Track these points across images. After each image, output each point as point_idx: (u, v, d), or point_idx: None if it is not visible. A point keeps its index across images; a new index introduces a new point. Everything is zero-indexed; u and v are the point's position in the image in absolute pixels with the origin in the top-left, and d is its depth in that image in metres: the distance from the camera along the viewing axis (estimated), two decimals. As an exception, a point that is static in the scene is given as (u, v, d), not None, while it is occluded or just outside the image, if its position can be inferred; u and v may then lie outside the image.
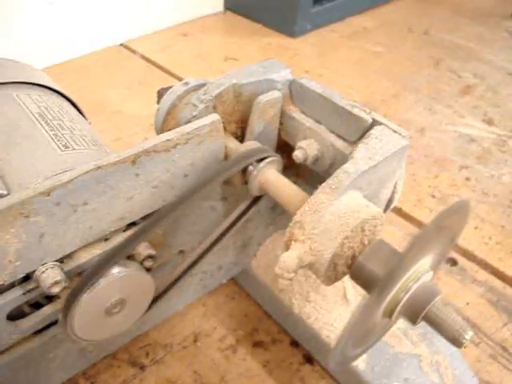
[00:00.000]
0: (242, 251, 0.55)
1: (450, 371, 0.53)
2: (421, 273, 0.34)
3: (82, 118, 0.52)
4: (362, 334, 0.35)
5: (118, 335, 0.49)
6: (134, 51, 1.09)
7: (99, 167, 0.36)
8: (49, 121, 0.44)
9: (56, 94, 0.52)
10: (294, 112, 0.46)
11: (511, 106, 1.00)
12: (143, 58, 1.08)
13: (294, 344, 0.57)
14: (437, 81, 1.06)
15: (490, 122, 0.95)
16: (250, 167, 0.42)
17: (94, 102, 0.92)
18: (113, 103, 0.93)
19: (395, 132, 0.40)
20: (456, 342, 0.33)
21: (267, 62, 0.47)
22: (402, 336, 0.54)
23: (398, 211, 0.75)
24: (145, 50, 1.09)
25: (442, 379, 0.52)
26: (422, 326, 0.54)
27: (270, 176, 0.41)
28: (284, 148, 0.50)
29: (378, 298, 0.31)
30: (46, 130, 0.43)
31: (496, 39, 1.24)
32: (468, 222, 0.72)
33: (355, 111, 0.42)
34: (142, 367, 0.53)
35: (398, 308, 0.33)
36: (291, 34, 1.16)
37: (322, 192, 0.36)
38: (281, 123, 0.48)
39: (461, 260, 0.69)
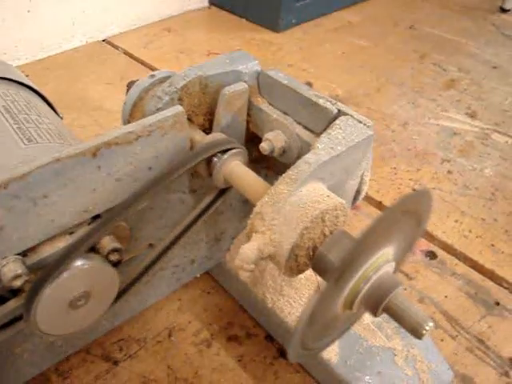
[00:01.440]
0: (215, 245, 0.55)
1: (425, 364, 0.53)
2: (382, 263, 0.33)
3: (53, 113, 0.51)
4: (323, 325, 0.34)
5: (89, 330, 0.48)
6: (116, 47, 1.09)
7: (58, 160, 0.36)
8: (14, 114, 0.44)
9: (26, 89, 0.51)
10: (262, 104, 0.46)
11: (495, 99, 1.00)
12: (126, 53, 1.07)
13: (269, 338, 0.56)
14: (421, 74, 1.06)
15: (473, 116, 0.94)
16: (215, 159, 0.41)
17: (75, 97, 0.92)
18: (94, 99, 0.93)
19: (360, 122, 0.40)
20: (416, 332, 0.32)
21: (235, 54, 0.47)
22: (376, 330, 0.53)
23: (378, 204, 0.75)
24: (128, 45, 1.09)
25: (417, 372, 0.52)
26: (397, 318, 0.55)
27: (235, 168, 0.41)
28: (254, 140, 0.49)
29: (332, 287, 0.30)
30: (10, 124, 0.43)
31: (482, 33, 1.24)
32: (449, 216, 0.73)
33: (320, 102, 0.41)
34: (116, 362, 0.53)
35: (358, 299, 0.33)
36: (275, 28, 1.15)
37: (282, 183, 0.36)
38: (249, 115, 0.47)
39: (440, 253, 0.68)
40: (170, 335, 0.56)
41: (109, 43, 1.10)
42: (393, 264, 0.35)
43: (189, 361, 0.54)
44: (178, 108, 0.41)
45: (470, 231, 0.72)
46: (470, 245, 0.70)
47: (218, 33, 1.16)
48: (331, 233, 0.36)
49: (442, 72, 1.07)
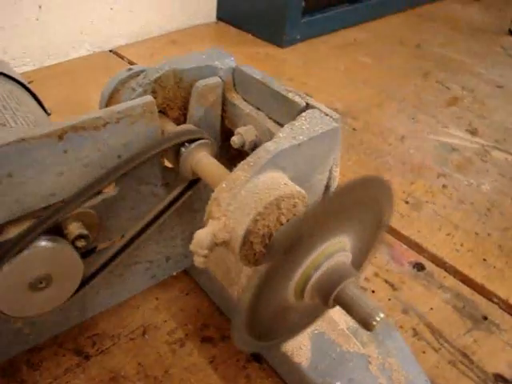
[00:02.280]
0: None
1: (402, 375, 0.51)
2: (335, 251, 0.33)
3: (38, 106, 0.53)
4: (273, 313, 0.34)
5: (58, 319, 0.48)
6: (122, 57, 1.11)
7: (23, 139, 0.37)
8: (-7, 102, 0.45)
9: (15, 84, 0.53)
10: (236, 99, 0.46)
11: (498, 117, 0.99)
12: (131, 63, 1.09)
13: (244, 341, 0.55)
14: (423, 92, 1.06)
15: (474, 133, 0.93)
16: (182, 149, 0.41)
17: (77, 103, 0.94)
18: (95, 106, 0.94)
19: (326, 115, 0.39)
20: (366, 324, 0.31)
21: (212, 50, 0.48)
22: (350, 335, 0.52)
23: (369, 215, 0.74)
24: (133, 56, 1.11)
25: (392, 382, 0.51)
26: (374, 326, 0.54)
27: (202, 158, 0.41)
28: (230, 137, 0.49)
29: (277, 265, 0.30)
30: (-13, 109, 0.44)
31: (489, 54, 1.24)
32: (440, 229, 0.71)
33: (289, 95, 0.41)
34: (87, 357, 0.53)
35: (309, 286, 0.33)
36: (279, 44, 1.17)
37: (240, 169, 0.35)
38: (224, 111, 0.48)
39: (429, 265, 0.67)
40: (144, 333, 0.55)
41: (115, 53, 1.13)
42: (349, 255, 0.34)
43: (160, 359, 0.53)
44: (148, 98, 0.41)
45: (462, 245, 0.70)
46: (460, 258, 0.68)
47: (223, 46, 1.18)
48: (288, 221, 0.35)
49: (444, 90, 1.07)
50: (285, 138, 0.37)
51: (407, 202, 0.76)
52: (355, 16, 1.31)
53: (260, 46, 1.20)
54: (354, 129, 0.92)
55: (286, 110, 0.42)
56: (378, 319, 0.31)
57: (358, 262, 0.39)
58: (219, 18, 1.29)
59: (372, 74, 1.12)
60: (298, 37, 1.19)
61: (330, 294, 0.32)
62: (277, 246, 0.32)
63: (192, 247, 0.35)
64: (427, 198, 0.78)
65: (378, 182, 0.33)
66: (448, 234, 0.72)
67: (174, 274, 0.57)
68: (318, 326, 0.52)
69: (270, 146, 0.36)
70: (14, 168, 0.37)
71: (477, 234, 0.72)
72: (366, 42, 1.26)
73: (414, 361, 0.52)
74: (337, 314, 0.54)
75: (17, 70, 0.96)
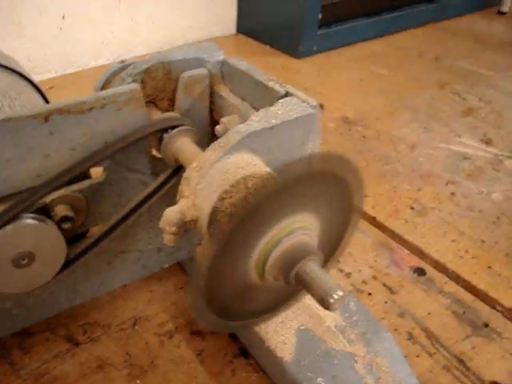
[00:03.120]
0: (184, 235, 0.55)
1: (390, 376, 0.50)
2: (296, 229, 0.33)
3: (39, 97, 0.55)
4: (235, 291, 0.34)
5: (46, 303, 0.50)
6: (141, 66, 1.15)
7: (10, 119, 0.38)
8: (-7, 90, 0.47)
9: (18, 76, 0.55)
10: (224, 91, 0.47)
11: (515, 128, 0.96)
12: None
13: (232, 336, 0.55)
14: (438, 102, 1.05)
15: (488, 142, 0.91)
16: (165, 135, 0.43)
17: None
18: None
19: (304, 102, 0.40)
20: (324, 302, 0.31)
21: (203, 45, 0.49)
22: (337, 333, 0.51)
23: (372, 220, 0.73)
24: (152, 65, 1.14)
25: (379, 383, 0.49)
26: (363, 325, 0.53)
27: (183, 144, 0.42)
28: (220, 129, 0.50)
29: (229, 236, 0.30)
30: (-14, 97, 0.46)
31: (510, 66, 1.21)
32: (445, 236, 0.70)
33: (270, 84, 0.42)
34: (77, 344, 0.54)
35: (269, 264, 0.33)
36: (296, 55, 1.18)
37: (211, 149, 0.36)
38: (213, 103, 0.49)
39: (430, 270, 0.65)
40: (134, 324, 0.56)
41: (135, 63, 1.16)
42: (313, 235, 0.34)
43: (148, 350, 0.54)
44: (134, 85, 0.43)
45: (467, 251, 0.68)
46: (464, 265, 0.66)
47: (241, 57, 1.20)
48: (255, 200, 0.36)
49: (460, 101, 1.05)
50: (257, 121, 0.37)
51: (412, 208, 0.75)
52: (373, 29, 1.31)
53: (277, 57, 1.21)
54: (363, 136, 0.92)
55: (267, 99, 0.43)
56: (335, 297, 0.31)
57: (333, 247, 0.39)
58: (239, 30, 1.32)
59: (387, 84, 1.11)
60: (315, 48, 1.20)
61: (290, 271, 0.32)
62: (229, 218, 0.33)
63: (161, 224, 0.36)
64: (434, 204, 0.76)
65: (341, 160, 0.33)
66: (453, 241, 0.70)
67: (166, 266, 0.58)
68: (304, 321, 0.52)
69: (241, 128, 0.37)
70: (1, 146, 0.39)
71: (483, 241, 0.70)
72: (383, 54, 1.26)
73: (403, 362, 0.51)
74: (325, 310, 0.53)
75: (39, 77, 1.01)
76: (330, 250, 0.39)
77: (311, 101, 0.40)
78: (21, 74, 0.56)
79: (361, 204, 0.38)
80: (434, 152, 0.88)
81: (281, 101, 0.40)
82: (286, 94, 0.42)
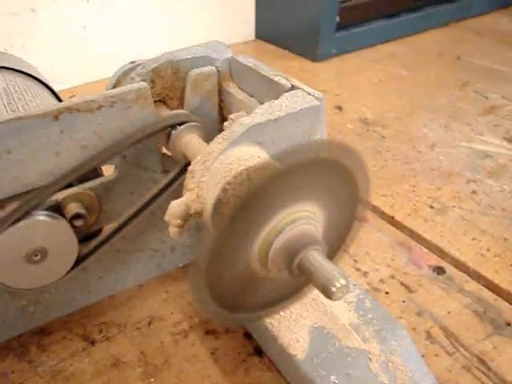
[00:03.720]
0: (198, 234, 0.56)
1: (406, 374, 0.49)
2: (299, 218, 0.33)
3: (55, 100, 0.57)
4: (239, 281, 0.34)
5: (62, 301, 0.51)
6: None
7: (20, 118, 0.40)
8: (9, 94, 0.49)
9: (36, 81, 0.57)
10: (232, 88, 0.48)
11: (540, 126, 0.94)
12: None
13: (247, 336, 0.55)
14: (460, 101, 1.03)
15: (511, 140, 0.89)
16: (173, 132, 0.43)
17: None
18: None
19: (309, 94, 0.40)
20: (325, 290, 0.30)
21: (211, 43, 0.50)
22: (352, 330, 0.50)
23: (390, 219, 0.72)
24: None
25: (395, 381, 0.48)
26: (378, 323, 0.52)
27: (190, 140, 0.43)
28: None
29: (229, 225, 0.30)
30: (2, 100, 0.48)
31: (535, 64, 1.18)
32: (466, 234, 0.68)
33: (276, 78, 0.42)
34: (93, 342, 0.54)
35: (271, 253, 0.32)
36: (314, 57, 1.18)
37: (215, 142, 0.36)
38: (222, 100, 0.49)
39: (450, 269, 0.64)
40: (149, 323, 0.56)
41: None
42: (317, 225, 0.34)
43: (162, 349, 0.54)
44: (142, 84, 0.43)
45: (489, 250, 0.66)
46: (485, 263, 0.64)
47: (259, 61, 1.21)
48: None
49: (482, 99, 1.03)
50: (261, 113, 0.38)
51: (432, 207, 0.74)
52: (392, 31, 1.30)
53: (295, 61, 1.22)
54: (382, 136, 0.91)
55: (274, 93, 0.43)
56: (338, 286, 0.30)
57: (338, 240, 0.38)
58: (257, 36, 1.33)
59: (407, 85, 1.10)
60: (334, 51, 1.20)
61: (292, 260, 0.32)
62: (230, 205, 0.33)
63: (166, 217, 0.36)
64: (454, 203, 0.74)
65: (345, 149, 0.32)
66: (474, 239, 0.68)
67: (181, 265, 0.58)
68: (318, 319, 0.51)
69: (245, 120, 0.37)
70: (13, 145, 0.40)
71: (506, 239, 0.68)
72: (402, 55, 1.25)
73: (420, 361, 0.50)
74: (339, 308, 0.53)
75: (61, 86, 1.04)
76: (335, 243, 0.38)
77: (316, 93, 0.40)
78: (38, 79, 0.58)
79: (366, 197, 0.38)
80: (454, 151, 0.86)
81: (286, 94, 0.40)
82: (292, 88, 0.42)
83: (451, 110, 0.99)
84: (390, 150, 0.87)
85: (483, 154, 0.85)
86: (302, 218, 0.33)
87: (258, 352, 0.53)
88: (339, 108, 1.00)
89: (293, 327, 0.50)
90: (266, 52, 1.29)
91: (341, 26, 1.20)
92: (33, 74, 0.58)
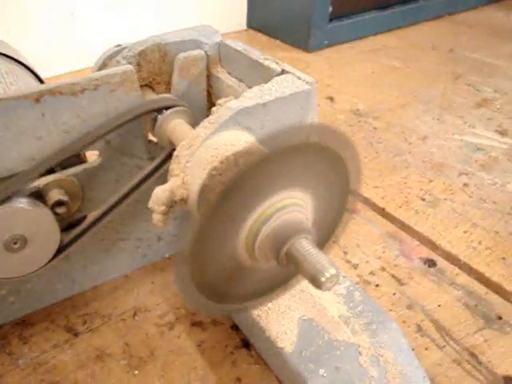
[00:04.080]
0: (185, 224, 0.54)
1: (396, 368, 0.48)
2: (288, 205, 0.31)
3: (37, 84, 0.55)
4: (225, 271, 0.33)
5: (44, 291, 0.49)
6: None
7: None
8: (-10, 76, 0.47)
9: (18, 64, 0.55)
10: (221, 73, 0.46)
11: (533, 119, 0.93)
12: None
13: (235, 328, 0.54)
14: (452, 94, 1.02)
15: (503, 133, 0.88)
16: (159, 116, 0.42)
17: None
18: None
19: (300, 79, 0.38)
20: (315, 280, 0.29)
21: (200, 27, 0.48)
22: (341, 323, 0.50)
23: (381, 210, 0.71)
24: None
25: (384, 375, 0.47)
26: (368, 315, 0.51)
27: (176, 125, 0.41)
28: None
29: (214, 210, 0.28)
30: (-18, 82, 0.46)
31: (528, 58, 1.18)
32: (457, 227, 0.68)
33: (266, 63, 0.41)
34: (76, 334, 0.53)
35: (258, 241, 0.31)
36: (306, 48, 1.17)
37: (201, 127, 0.35)
38: (210, 86, 0.48)
39: (441, 262, 0.63)
40: (135, 315, 0.55)
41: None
42: (307, 213, 0.33)
43: (147, 341, 0.52)
44: (128, 67, 0.42)
45: (480, 243, 0.66)
46: (476, 256, 0.64)
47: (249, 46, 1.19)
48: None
49: (475, 92, 1.02)
50: (250, 97, 0.36)
51: (423, 199, 0.73)
52: (385, 22, 1.29)
53: (287, 51, 1.20)
54: (374, 128, 0.90)
55: (264, 78, 0.41)
56: (327, 275, 0.29)
57: (327, 230, 0.37)
58: (249, 25, 1.31)
59: (399, 77, 1.09)
60: (326, 42, 1.18)
61: (280, 248, 0.31)
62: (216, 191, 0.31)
63: (150, 204, 0.35)
64: (446, 195, 0.74)
65: (336, 134, 0.31)
66: (465, 232, 0.67)
67: (167, 255, 0.57)
68: (306, 312, 0.50)
69: (232, 104, 0.35)
70: (-9, 128, 0.38)
71: (497, 232, 0.67)
72: (395, 48, 1.23)
73: (411, 355, 0.49)
74: (328, 301, 0.52)
75: (47, 74, 1.02)
76: (325, 233, 0.37)
77: (307, 78, 0.39)
78: (21, 63, 0.56)
79: (358, 186, 0.36)
80: (446, 143, 0.86)
81: (276, 78, 0.39)
82: (283, 72, 0.40)
83: (444, 102, 0.99)
84: (382, 141, 0.86)
85: (475, 147, 0.85)
86: (291, 205, 0.31)
87: (246, 344, 0.52)
88: (331, 99, 0.99)
89: (281, 319, 0.49)
90: (258, 42, 1.27)
91: (333, 17, 1.18)
92: (16, 57, 0.56)
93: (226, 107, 0.35)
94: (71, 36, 1.03)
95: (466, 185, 0.76)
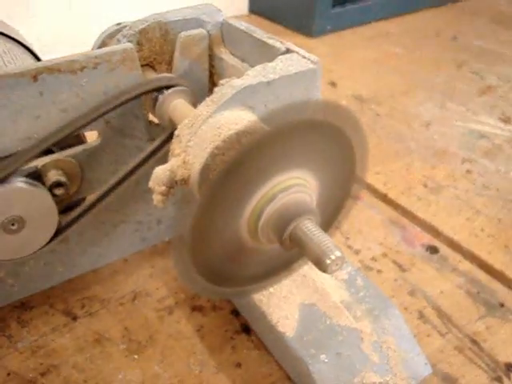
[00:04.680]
0: (185, 208, 0.54)
1: (398, 354, 0.48)
2: (292, 185, 0.31)
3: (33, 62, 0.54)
4: (225, 251, 0.32)
5: (43, 274, 0.49)
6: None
7: (-4, 77, 0.37)
8: (-12, 55, 0.46)
9: (17, 44, 0.54)
10: (224, 53, 0.45)
11: (537, 107, 0.92)
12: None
13: (235, 313, 0.53)
14: (456, 81, 1.01)
15: (507, 121, 0.88)
16: (160, 96, 0.41)
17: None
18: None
19: (305, 58, 0.38)
20: (319, 263, 0.29)
21: (202, 6, 0.47)
22: (343, 308, 0.49)
23: (383, 197, 0.70)
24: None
25: (386, 361, 0.47)
26: (370, 301, 0.50)
27: (177, 105, 0.40)
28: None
29: (215, 190, 0.28)
30: (-20, 60, 0.45)
31: (532, 45, 1.17)
32: (460, 214, 0.67)
33: (270, 42, 0.40)
34: (75, 318, 0.52)
35: (262, 221, 0.30)
36: (309, 34, 1.15)
37: (204, 105, 0.34)
38: (212, 66, 0.47)
39: (443, 249, 0.62)
40: (134, 299, 0.55)
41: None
42: (312, 194, 0.32)
43: (147, 325, 0.52)
44: (128, 45, 0.41)
45: (483, 230, 0.65)
46: (479, 243, 0.63)
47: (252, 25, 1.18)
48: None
49: (478, 79, 1.01)
50: (254, 75, 0.35)
51: (426, 186, 0.72)
52: (389, 8, 1.27)
53: (290, 37, 1.19)
54: (377, 114, 0.89)
55: (268, 57, 0.41)
56: (332, 257, 0.28)
57: (331, 214, 0.37)
58: (251, 10, 1.29)
59: (402, 63, 1.08)
60: (329, 27, 1.17)
61: (284, 229, 0.30)
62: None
63: (150, 184, 0.34)
64: (448, 182, 0.73)
65: (342, 111, 0.30)
66: (468, 219, 0.67)
67: (167, 239, 0.56)
68: (308, 296, 0.50)
69: (236, 82, 0.35)
70: (-12, 106, 0.37)
71: (500, 220, 0.67)
72: (398, 34, 1.22)
73: (413, 341, 0.49)
74: (330, 286, 0.51)
75: (48, 56, 1.00)
76: (327, 217, 0.36)
77: (312, 57, 0.38)
78: (19, 42, 0.55)
79: (364, 168, 0.36)
80: (449, 130, 0.85)
81: (280, 57, 0.38)
82: (287, 51, 0.39)
83: (447, 89, 0.98)
84: (384, 127, 0.85)
85: (478, 134, 0.84)
86: (296, 186, 0.31)
87: (246, 329, 0.52)
88: (333, 84, 0.98)
89: (282, 304, 0.49)
90: (260, 27, 1.24)
91: (336, 3, 1.17)
92: (14, 36, 0.55)
93: (228, 85, 0.34)
94: (71, 19, 1.01)
95: (469, 172, 0.75)
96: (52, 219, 0.42)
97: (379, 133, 0.83)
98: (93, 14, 1.04)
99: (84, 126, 0.39)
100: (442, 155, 0.78)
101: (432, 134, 0.83)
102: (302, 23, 1.16)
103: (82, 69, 0.40)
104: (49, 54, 1.00)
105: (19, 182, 0.39)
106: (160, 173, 0.33)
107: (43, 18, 0.98)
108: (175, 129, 0.42)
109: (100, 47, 0.46)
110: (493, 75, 1.03)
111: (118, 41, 0.44)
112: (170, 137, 0.43)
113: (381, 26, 1.27)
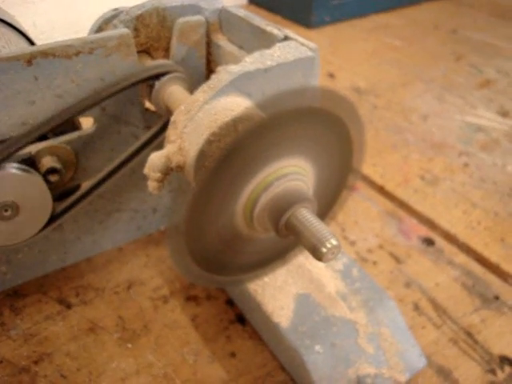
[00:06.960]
0: (181, 197, 0.53)
1: (393, 345, 0.48)
2: (289, 173, 0.30)
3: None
4: (220, 239, 0.32)
5: (37, 262, 0.48)
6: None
7: (-11, 61, 0.36)
8: (-19, 39, 0.45)
9: (10, 28, 0.53)
10: (221, 40, 0.45)
11: (535, 101, 0.92)
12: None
13: (229, 303, 0.53)
14: (454, 74, 1.00)
15: (505, 115, 0.87)
16: (156, 83, 0.40)
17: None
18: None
19: (303, 45, 0.37)
20: (315, 251, 0.28)
21: (200, -9, 0.46)
22: (338, 299, 0.49)
23: (380, 189, 0.70)
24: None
25: (381, 352, 0.47)
26: (365, 292, 0.50)
27: (173, 91, 0.40)
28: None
29: (212, 175, 0.27)
30: (-27, 45, 0.44)
31: (531, 39, 1.16)
32: (457, 207, 0.67)
33: (268, 29, 0.39)
34: (69, 306, 0.52)
35: (257, 209, 0.30)
36: (307, 25, 1.15)
37: (200, 91, 0.34)
38: (210, 53, 0.46)
39: (439, 241, 0.62)
40: (129, 288, 0.54)
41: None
42: (308, 182, 0.32)
43: (141, 314, 0.52)
44: (125, 30, 0.40)
45: (479, 223, 0.65)
46: (475, 236, 0.63)
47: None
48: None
49: (477, 73, 1.01)
50: (251, 62, 0.35)
51: (423, 178, 0.72)
52: (388, 1, 1.26)
53: (288, 28, 1.16)
54: (375, 106, 0.88)
55: (266, 44, 0.40)
56: (328, 246, 0.28)
57: (327, 203, 0.36)
58: (251, 1, 1.28)
59: (401, 55, 1.07)
60: (327, 19, 1.16)
61: (280, 217, 0.29)
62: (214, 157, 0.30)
63: (145, 170, 0.34)
64: (445, 175, 0.73)
65: (340, 99, 0.30)
66: (465, 212, 0.67)
67: (162, 228, 0.56)
68: (303, 287, 0.49)
69: (233, 69, 0.34)
70: (-19, 90, 0.37)
71: (496, 213, 0.67)
72: (397, 26, 1.21)
73: (407, 333, 0.49)
74: (326, 276, 0.51)
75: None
76: (323, 207, 0.36)
77: (311, 44, 0.37)
78: (14, 27, 0.54)
79: (361, 158, 0.35)
80: (447, 123, 0.84)
81: (278, 44, 0.37)
82: (285, 38, 0.39)
83: (445, 82, 0.97)
84: (382, 119, 0.85)
85: (476, 128, 0.83)
86: (292, 174, 0.30)
87: (240, 319, 0.52)
88: (331, 76, 0.97)
89: (277, 294, 0.48)
90: (258, 18, 1.24)
91: (336, -7, 1.16)
92: (9, 20, 0.54)
93: (225, 71, 0.34)
94: (69, 5, 1.00)
95: (466, 165, 0.75)
96: (46, 206, 0.41)
97: (377, 125, 0.83)
98: (88, 1, 1.03)
99: (80, 113, 0.39)
100: (439, 148, 0.78)
101: (430, 127, 0.83)
102: (301, 14, 1.15)
103: (77, 54, 0.39)
104: (45, 40, 1.00)
105: (13, 168, 0.39)
106: (155, 159, 0.33)
107: (40, 4, 0.97)
108: (171, 116, 0.42)
109: (96, 33, 0.46)
110: (491, 69, 1.03)
111: (115, 26, 0.43)
112: (166, 125, 0.43)
113: (380, 18, 1.26)
